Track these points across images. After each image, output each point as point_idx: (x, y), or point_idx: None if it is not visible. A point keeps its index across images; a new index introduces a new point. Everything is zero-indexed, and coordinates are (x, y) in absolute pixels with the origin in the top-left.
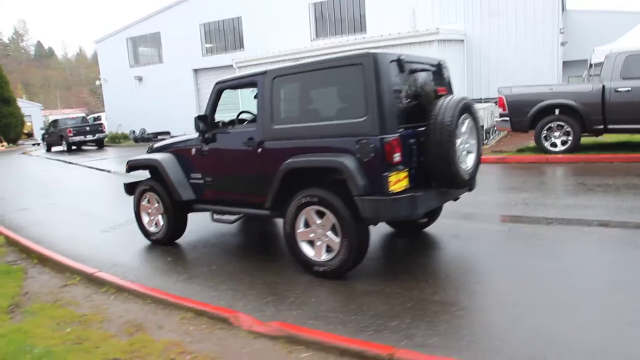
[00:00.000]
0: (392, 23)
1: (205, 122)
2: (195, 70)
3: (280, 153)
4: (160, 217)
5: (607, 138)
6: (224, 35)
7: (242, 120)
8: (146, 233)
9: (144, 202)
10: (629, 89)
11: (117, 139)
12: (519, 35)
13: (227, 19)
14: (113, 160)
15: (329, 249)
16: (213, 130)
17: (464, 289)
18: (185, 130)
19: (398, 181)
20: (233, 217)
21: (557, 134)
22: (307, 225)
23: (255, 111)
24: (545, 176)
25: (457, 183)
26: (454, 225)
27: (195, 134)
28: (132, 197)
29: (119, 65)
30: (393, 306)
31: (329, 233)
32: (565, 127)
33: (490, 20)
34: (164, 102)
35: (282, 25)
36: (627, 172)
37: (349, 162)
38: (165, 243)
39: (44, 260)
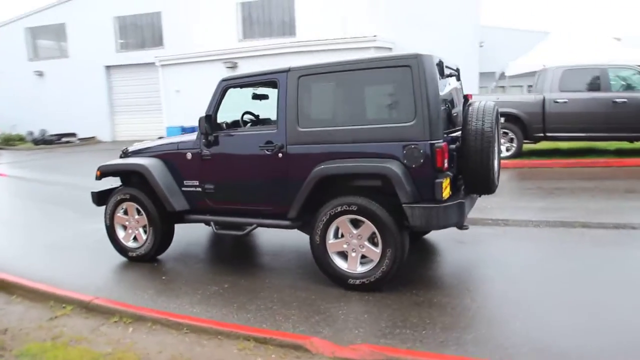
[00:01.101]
0: (322, 28)
1: (210, 123)
2: (108, 67)
3: (308, 158)
4: (141, 230)
5: (541, 145)
6: (141, 30)
7: (245, 122)
8: (122, 249)
9: (120, 214)
10: (566, 100)
11: (11, 141)
12: (443, 47)
13: (144, 14)
14: (8, 165)
15: (363, 260)
16: (217, 133)
17: (508, 298)
18: (96, 132)
19: (445, 188)
20: (244, 229)
21: (502, 140)
22: (337, 235)
23: (252, 113)
24: (502, 180)
25: (491, 189)
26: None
27: (186, 136)
28: (89, 208)
29: (14, 58)
30: (457, 317)
31: (367, 243)
32: (509, 135)
33: (416, 32)
34: (69, 100)
35: (207, 24)
36: (571, 175)
37: (397, 168)
38: (148, 259)
39: (6, 288)
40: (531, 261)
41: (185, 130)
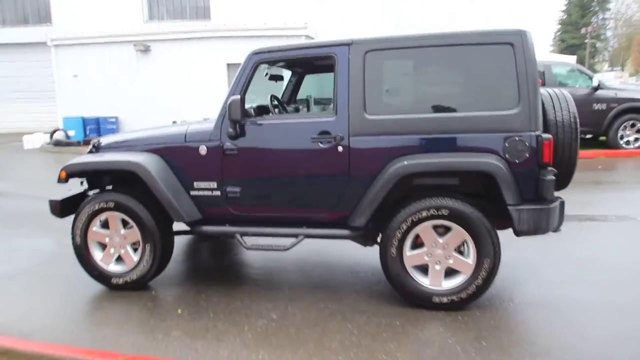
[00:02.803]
0: (240, 13)
1: (243, 107)
2: None
3: (378, 152)
4: (129, 248)
5: None
6: (22, 4)
7: (281, 107)
8: (101, 275)
9: (96, 228)
10: None
11: None
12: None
13: None
14: None
15: (448, 274)
16: (249, 120)
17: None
18: None
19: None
20: (289, 242)
21: (628, 132)
22: (415, 245)
23: (277, 97)
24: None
25: (568, 183)
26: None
27: (197, 125)
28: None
29: None
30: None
31: (455, 254)
32: (637, 126)
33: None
34: None
35: (104, 0)
36: None
37: (501, 164)
38: (141, 286)
39: None
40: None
41: (87, 121)
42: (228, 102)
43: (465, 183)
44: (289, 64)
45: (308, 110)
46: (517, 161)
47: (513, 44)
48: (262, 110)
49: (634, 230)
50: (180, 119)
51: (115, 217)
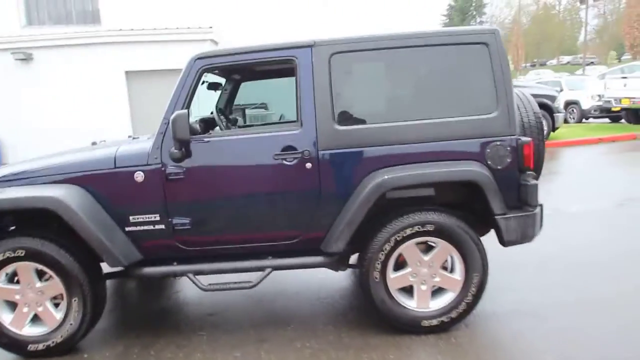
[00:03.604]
0: (134, 16)
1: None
2: None
3: (353, 167)
4: (48, 304)
5: None
6: None
7: (231, 120)
8: (13, 343)
9: (2, 284)
10: None
11: None
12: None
13: None
14: None
15: (435, 294)
16: (196, 138)
17: None
18: None
19: None
20: (254, 277)
21: None
22: (398, 266)
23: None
24: None
25: None
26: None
27: (126, 146)
28: None
29: None
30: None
31: (442, 271)
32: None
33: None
34: None
35: None
36: None
37: (485, 171)
38: (69, 348)
39: None
40: None
41: None
42: (172, 118)
43: (442, 193)
44: (235, 69)
45: (255, 121)
46: (499, 167)
47: (488, 43)
48: (207, 125)
49: (570, 222)
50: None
51: (26, 268)
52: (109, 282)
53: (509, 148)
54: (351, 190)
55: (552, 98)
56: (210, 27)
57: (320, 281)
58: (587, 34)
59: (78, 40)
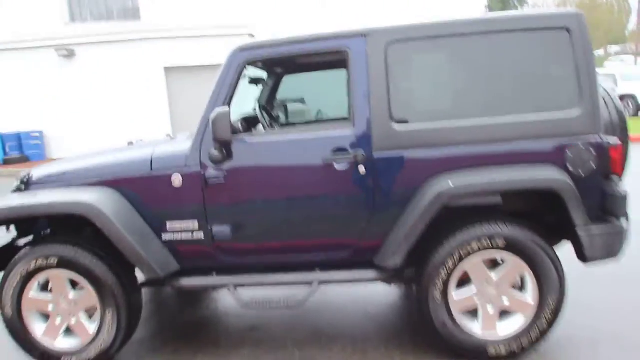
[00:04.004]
0: (172, 13)
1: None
2: None
3: (412, 171)
4: (82, 316)
5: None
6: None
7: (272, 118)
8: (45, 356)
9: (33, 294)
10: None
11: None
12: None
13: None
14: None
15: (503, 317)
16: (238, 138)
17: None
18: None
19: None
20: (301, 293)
21: None
22: (460, 284)
23: (265, 106)
24: None
25: None
26: None
27: (164, 146)
28: None
29: None
30: None
31: (512, 291)
32: None
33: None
34: None
35: (17, 2)
36: None
37: (566, 178)
38: None
39: None
40: None
41: (5, 138)
42: (212, 117)
43: (509, 201)
44: (280, 61)
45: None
46: (581, 173)
47: (570, 29)
48: (249, 123)
49: None
50: (121, 132)
51: (59, 276)
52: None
53: (593, 150)
54: (410, 198)
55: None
56: (247, 22)
57: (368, 293)
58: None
59: (118, 36)
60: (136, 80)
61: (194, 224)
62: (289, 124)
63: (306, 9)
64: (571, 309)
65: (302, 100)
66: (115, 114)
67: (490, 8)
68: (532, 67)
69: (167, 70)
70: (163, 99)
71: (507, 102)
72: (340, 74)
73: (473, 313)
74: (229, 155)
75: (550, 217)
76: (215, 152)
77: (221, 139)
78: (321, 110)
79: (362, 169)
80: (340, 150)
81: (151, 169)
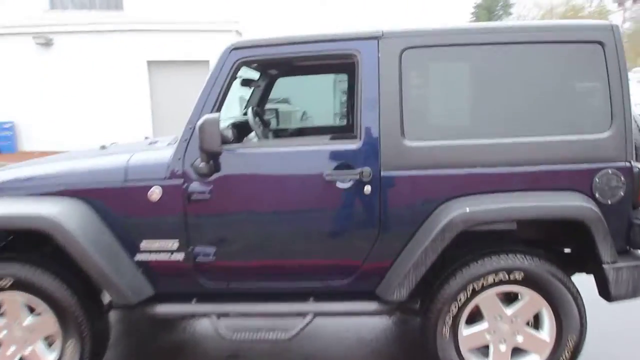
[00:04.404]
0: (156, 4)
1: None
2: None
3: (424, 194)
4: (40, 345)
5: None
6: None
7: (264, 124)
8: None
9: None
10: None
11: None
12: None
13: None
14: None
15: (515, 355)
16: (227, 148)
17: None
18: None
19: None
20: (292, 326)
21: None
22: (470, 318)
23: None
24: None
25: None
26: None
27: (141, 154)
28: None
29: None
30: None
31: (527, 329)
32: None
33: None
34: None
35: None
36: None
37: (592, 206)
38: None
39: None
40: None
41: None
42: (200, 124)
43: (526, 228)
44: (277, 63)
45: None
46: (609, 201)
47: (604, 43)
48: (240, 130)
49: None
50: (98, 127)
51: (14, 300)
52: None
53: (623, 178)
54: (420, 223)
55: None
56: (236, 19)
57: (361, 317)
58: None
59: (100, 26)
60: (117, 73)
61: (173, 243)
62: (282, 131)
63: (301, 7)
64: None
65: (286, 101)
66: (93, 107)
67: (477, 17)
68: (560, 83)
69: (150, 64)
70: (145, 95)
71: (531, 122)
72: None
73: (483, 351)
74: (216, 167)
75: (568, 246)
76: (202, 164)
77: (209, 149)
78: (306, 112)
79: (367, 188)
80: (344, 166)
81: (126, 179)
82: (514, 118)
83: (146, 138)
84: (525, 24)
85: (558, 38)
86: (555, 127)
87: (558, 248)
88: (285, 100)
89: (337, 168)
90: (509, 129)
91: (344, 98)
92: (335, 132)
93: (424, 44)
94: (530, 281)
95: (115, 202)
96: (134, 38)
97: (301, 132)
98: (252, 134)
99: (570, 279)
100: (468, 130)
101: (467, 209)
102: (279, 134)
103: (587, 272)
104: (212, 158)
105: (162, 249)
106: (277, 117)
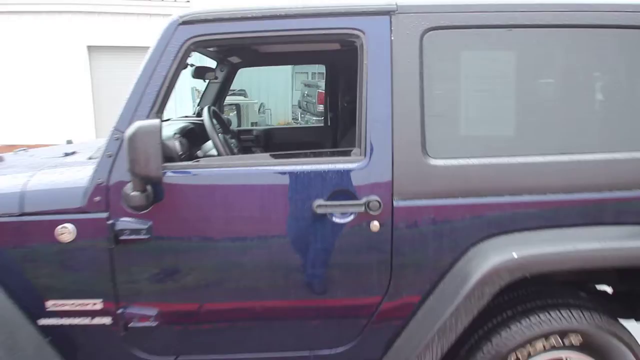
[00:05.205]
0: None
1: (161, 144)
2: None
3: (453, 232)
4: None
5: None
6: None
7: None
8: None
9: None
10: None
11: None
12: None
13: None
14: None
15: None
16: (170, 169)
17: None
18: None
19: None
20: None
21: None
22: None
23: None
24: None
25: None
26: None
27: (45, 167)
28: None
29: None
30: None
31: None
32: None
33: None
34: None
35: None
36: None
37: None
38: None
39: None
40: None
41: None
42: (129, 135)
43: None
44: (243, 46)
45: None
46: None
47: None
48: (191, 139)
49: None
50: (30, 120)
51: None
52: None
53: None
54: (445, 271)
55: None
56: (188, 1)
57: None
58: None
59: (34, 6)
60: (53, 59)
61: (95, 303)
62: (245, 132)
63: None
64: None
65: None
66: (27, 96)
67: None
68: (637, 83)
69: (91, 49)
70: (85, 83)
71: (597, 134)
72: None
73: None
74: (157, 195)
75: (609, 284)
76: (134, 193)
77: (143, 174)
78: (264, 103)
79: (375, 224)
80: (342, 194)
81: (22, 210)
82: (575, 128)
83: (68, 142)
84: (604, 1)
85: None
86: (627, 141)
87: (591, 287)
88: (242, 92)
89: (332, 196)
90: (567, 144)
91: (307, 91)
92: (312, 133)
93: (455, 23)
94: (589, 346)
95: (7, 244)
96: (72, 20)
97: (269, 134)
98: (209, 143)
99: (636, 341)
100: (512, 144)
101: (515, 254)
102: (243, 139)
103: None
104: (151, 183)
105: (78, 311)
106: (239, 113)
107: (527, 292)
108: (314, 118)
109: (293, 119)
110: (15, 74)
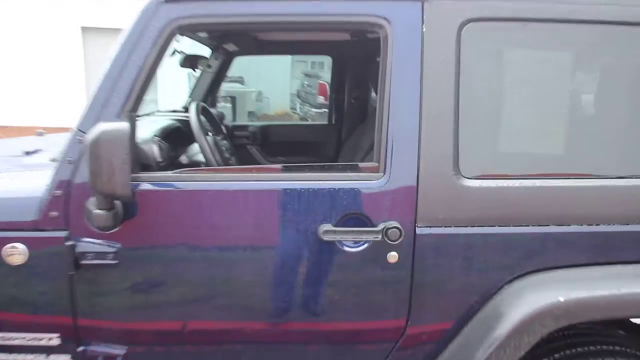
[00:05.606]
0: None
1: (132, 151)
2: None
3: (486, 263)
4: None
5: None
6: None
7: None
8: None
9: None
10: None
11: None
12: None
13: None
14: None
15: None
16: (143, 181)
17: None
18: None
19: None
20: None
21: None
22: None
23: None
24: None
25: None
26: None
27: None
28: None
29: None
30: None
31: None
32: None
33: None
34: None
35: None
36: None
37: None
38: None
39: None
40: None
41: None
42: (92, 139)
43: None
44: (240, 31)
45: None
46: None
47: None
48: (175, 138)
49: None
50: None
51: None
52: None
53: None
54: (473, 313)
55: None
56: None
57: None
58: None
59: None
60: (46, 39)
61: (50, 338)
62: (239, 129)
63: None
64: None
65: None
66: (18, 78)
67: None
68: None
69: (85, 30)
70: (79, 66)
71: None
72: None
73: None
74: (129, 211)
75: None
76: (98, 211)
77: (108, 191)
78: (262, 91)
79: (393, 255)
80: (356, 218)
81: None
82: (636, 146)
83: (39, 134)
84: None
85: None
86: None
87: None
88: (240, 80)
89: (342, 221)
90: (625, 163)
91: (306, 81)
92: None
93: (501, 15)
94: None
95: None
96: (66, 0)
97: (266, 131)
98: (196, 146)
99: None
100: (564, 162)
101: (561, 298)
102: (237, 135)
103: None
104: (120, 199)
105: (31, 346)
106: (234, 103)
107: (563, 334)
108: (314, 110)
109: (291, 108)
110: (8, 54)
